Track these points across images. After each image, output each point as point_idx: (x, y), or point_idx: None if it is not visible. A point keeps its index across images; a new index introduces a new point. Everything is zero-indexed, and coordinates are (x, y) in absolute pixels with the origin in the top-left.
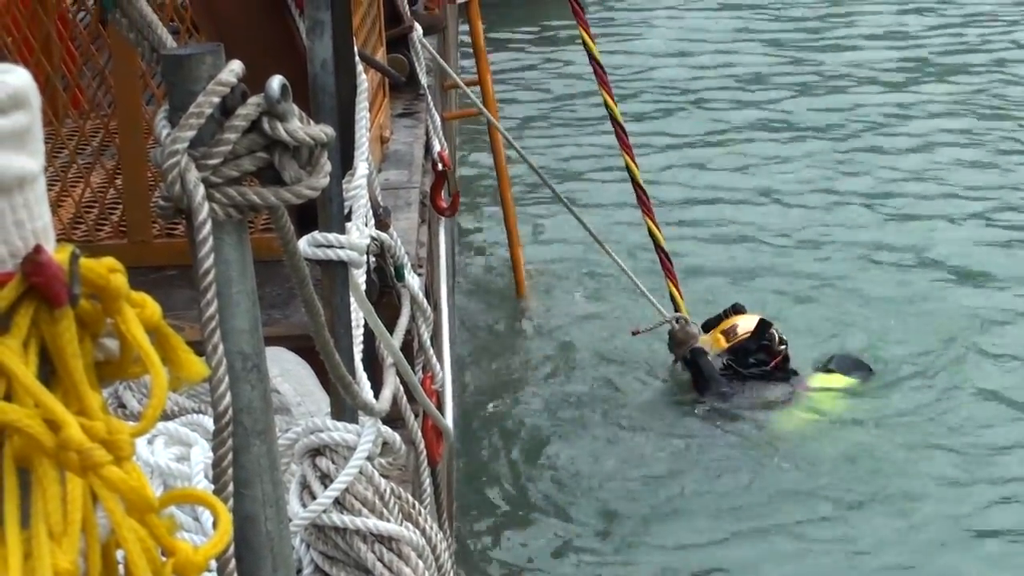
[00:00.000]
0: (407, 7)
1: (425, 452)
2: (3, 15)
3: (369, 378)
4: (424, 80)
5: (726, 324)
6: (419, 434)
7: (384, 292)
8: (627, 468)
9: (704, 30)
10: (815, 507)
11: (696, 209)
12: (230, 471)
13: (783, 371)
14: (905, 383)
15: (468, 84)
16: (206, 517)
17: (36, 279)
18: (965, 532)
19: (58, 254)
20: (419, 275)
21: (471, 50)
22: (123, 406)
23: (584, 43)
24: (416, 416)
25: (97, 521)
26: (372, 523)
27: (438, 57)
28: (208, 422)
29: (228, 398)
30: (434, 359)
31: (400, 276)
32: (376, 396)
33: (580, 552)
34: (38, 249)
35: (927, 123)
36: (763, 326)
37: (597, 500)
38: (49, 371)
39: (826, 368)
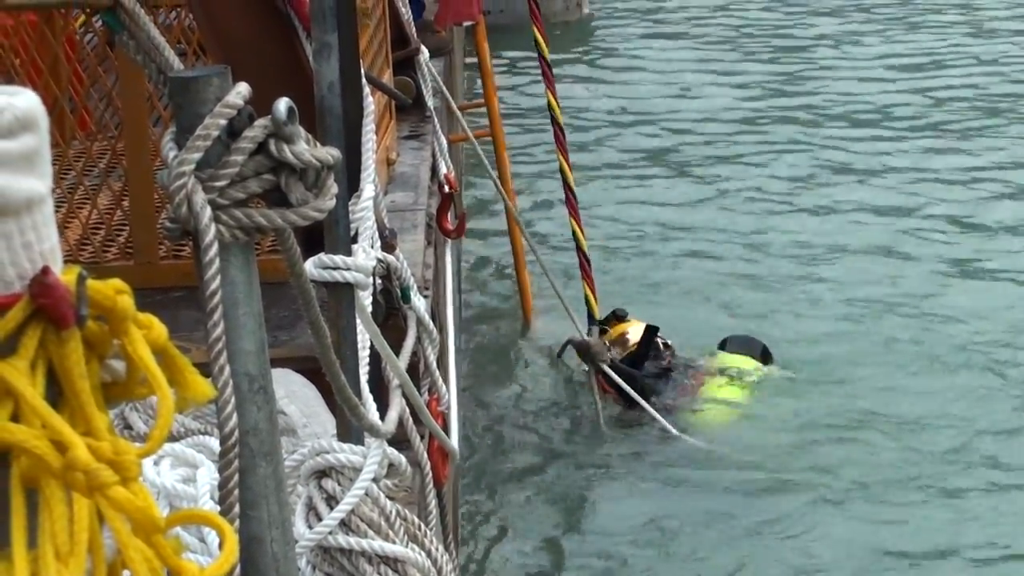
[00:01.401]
0: (414, 29)
1: (431, 474)
2: (11, 37)
3: (375, 400)
4: (430, 102)
5: (615, 334)
6: (425, 456)
7: (390, 314)
8: (628, 492)
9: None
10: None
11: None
12: (236, 492)
13: (677, 369)
14: (805, 365)
15: (475, 106)
16: (212, 538)
17: (43, 300)
18: (870, 502)
19: (65, 276)
20: (425, 297)
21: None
22: (129, 427)
23: (548, 104)
24: (422, 438)
25: (103, 541)
26: (378, 545)
27: (440, 83)
28: (214, 443)
29: (234, 419)
30: (440, 381)
31: (406, 298)
32: (382, 418)
33: (583, 571)
34: (46, 271)
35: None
36: (650, 333)
37: (602, 521)
38: (56, 392)
39: (721, 349)
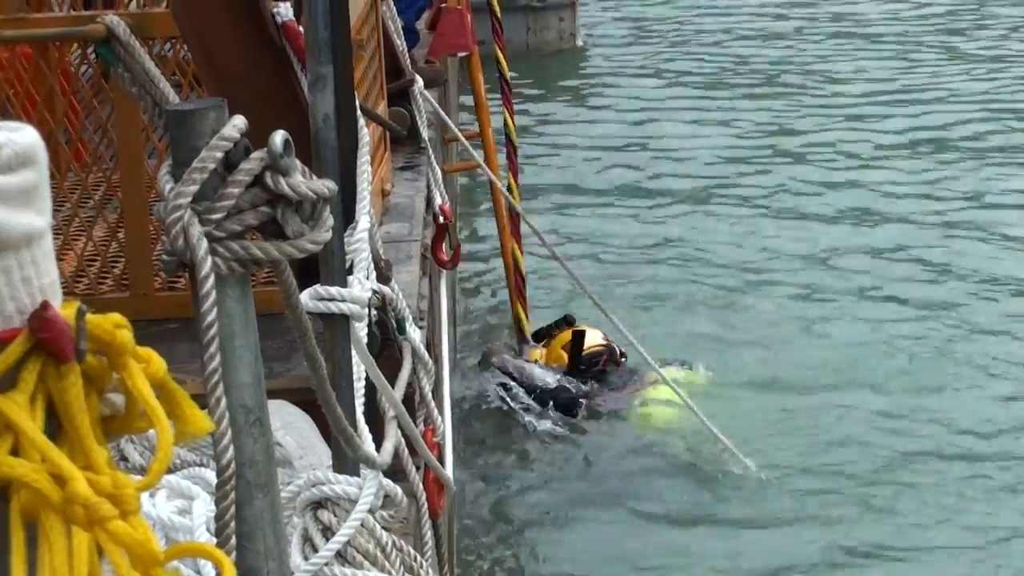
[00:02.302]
0: (408, 61)
1: (427, 504)
2: (6, 69)
3: (371, 431)
4: (425, 133)
5: (562, 340)
6: (420, 487)
7: (385, 345)
8: (628, 521)
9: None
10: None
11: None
12: (232, 524)
13: (621, 373)
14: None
15: (468, 137)
16: (208, 570)
17: (43, 335)
18: (811, 495)
19: (65, 310)
20: (420, 328)
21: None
22: (125, 459)
23: (504, 122)
24: (417, 468)
25: (103, 575)
26: None
27: (439, 110)
28: (210, 475)
29: (231, 451)
30: (435, 412)
31: (401, 329)
32: (378, 449)
33: None
34: (45, 305)
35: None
36: (577, 339)
37: (598, 549)
38: (56, 426)
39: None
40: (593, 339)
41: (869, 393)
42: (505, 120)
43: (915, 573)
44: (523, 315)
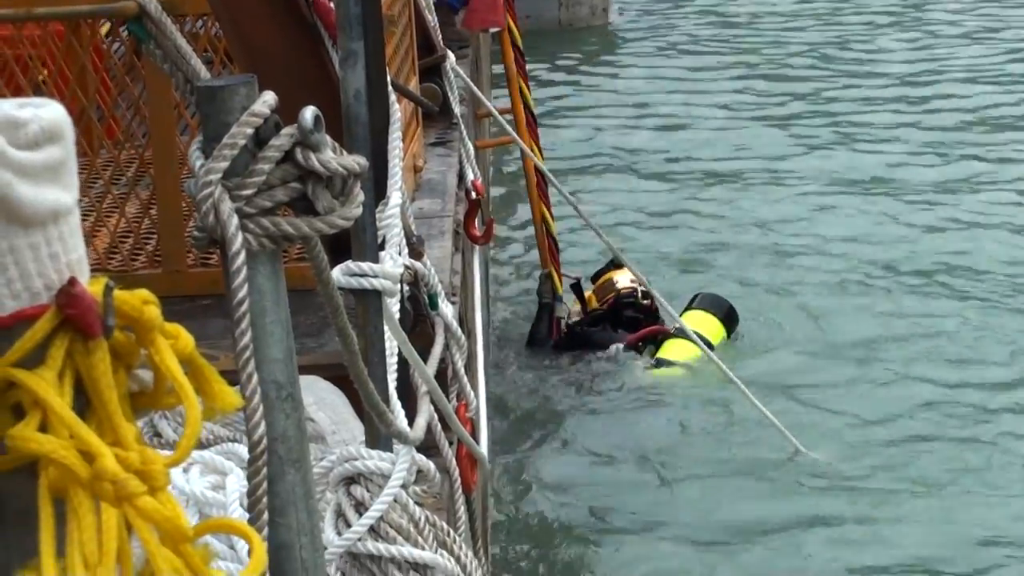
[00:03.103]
0: (440, 36)
1: (460, 480)
2: (39, 47)
3: (403, 406)
4: (457, 109)
5: (603, 280)
6: (453, 462)
7: (418, 321)
8: (662, 495)
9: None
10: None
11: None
12: (265, 500)
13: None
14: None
15: (501, 112)
16: (241, 545)
17: (71, 311)
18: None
19: (92, 286)
20: (453, 303)
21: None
22: (159, 435)
23: (520, 90)
24: (450, 444)
25: (132, 551)
26: (407, 551)
27: (472, 85)
28: (243, 450)
29: (262, 427)
30: (468, 387)
31: (434, 304)
32: (410, 424)
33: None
34: (72, 281)
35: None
36: (576, 288)
37: (634, 525)
38: (84, 402)
39: (691, 307)
40: (622, 281)
41: (914, 369)
42: (520, 88)
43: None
44: (556, 276)
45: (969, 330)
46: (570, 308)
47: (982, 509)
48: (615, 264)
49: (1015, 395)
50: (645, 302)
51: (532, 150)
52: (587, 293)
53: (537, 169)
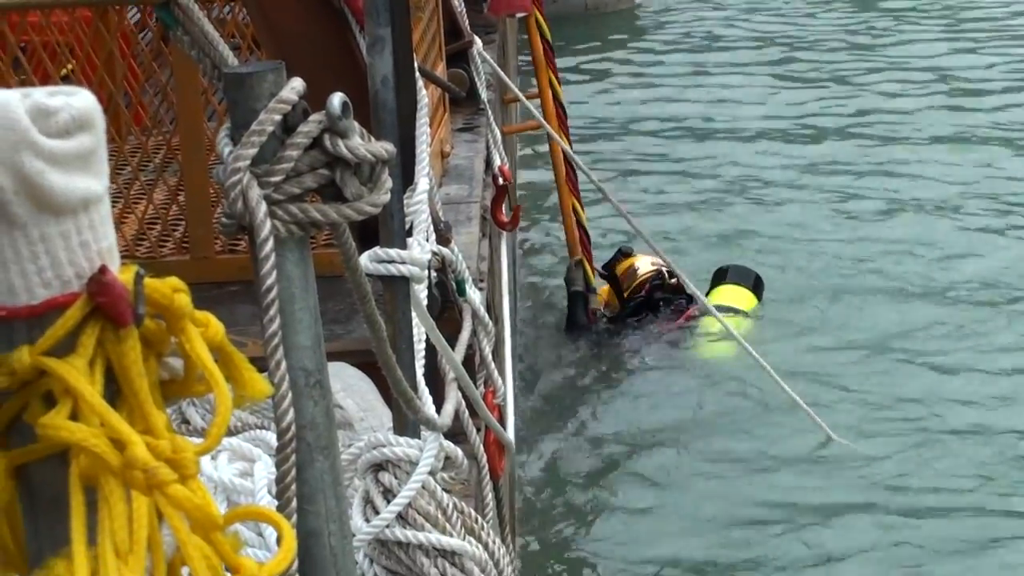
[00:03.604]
0: (466, 21)
1: (487, 467)
2: (67, 33)
3: (431, 393)
4: (484, 95)
5: (623, 268)
6: (481, 449)
7: (446, 307)
8: (691, 482)
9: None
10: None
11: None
12: (293, 487)
13: (675, 299)
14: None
15: (529, 98)
16: (269, 532)
17: (101, 299)
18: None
19: (123, 274)
20: (481, 290)
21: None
22: (187, 422)
23: (550, 81)
24: (478, 430)
25: (163, 539)
26: (435, 538)
27: (499, 71)
28: (271, 437)
29: (291, 414)
30: (496, 373)
31: (462, 291)
32: (438, 411)
33: (644, 565)
34: (103, 269)
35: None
36: (612, 279)
37: (662, 512)
38: (114, 390)
39: (722, 281)
40: (643, 267)
41: (952, 360)
42: (550, 80)
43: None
44: (589, 267)
45: (1014, 324)
46: (599, 299)
47: (1019, 502)
48: (623, 253)
49: None
50: (672, 281)
51: (560, 137)
52: (606, 287)
53: (565, 156)
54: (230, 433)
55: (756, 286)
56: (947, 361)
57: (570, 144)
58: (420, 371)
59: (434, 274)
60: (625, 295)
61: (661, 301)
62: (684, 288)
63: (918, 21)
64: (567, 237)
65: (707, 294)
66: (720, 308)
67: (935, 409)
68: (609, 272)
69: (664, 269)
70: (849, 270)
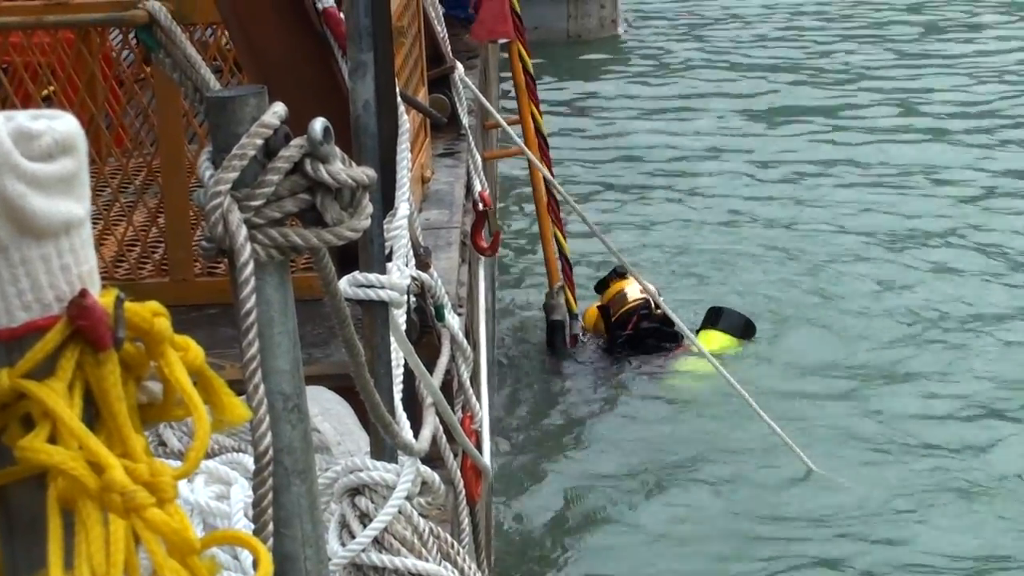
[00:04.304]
0: (448, 47)
1: (464, 491)
2: (48, 54)
3: (409, 418)
4: (465, 120)
5: (613, 291)
6: (458, 474)
7: (424, 332)
8: (668, 511)
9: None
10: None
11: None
12: (270, 511)
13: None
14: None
15: (510, 124)
16: (246, 556)
17: (81, 323)
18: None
19: (103, 298)
20: (459, 315)
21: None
22: (164, 444)
23: (533, 116)
24: (455, 456)
25: (139, 562)
26: (411, 563)
27: (480, 96)
28: (248, 461)
29: (269, 438)
30: (473, 399)
31: (440, 316)
32: (416, 436)
33: None
34: (84, 293)
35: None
36: (604, 313)
37: (639, 541)
38: (93, 414)
39: (714, 326)
40: (633, 293)
41: (932, 389)
42: (532, 113)
43: None
44: (571, 295)
45: (990, 352)
46: (582, 324)
47: (996, 532)
48: (619, 273)
49: None
50: (658, 311)
51: (541, 164)
52: (595, 305)
53: (546, 182)
54: (207, 456)
55: (745, 333)
56: (927, 392)
57: (551, 171)
58: (398, 396)
59: (413, 299)
60: (613, 319)
61: (648, 337)
62: (662, 330)
63: (902, 50)
64: (546, 264)
65: (697, 331)
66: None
67: (914, 440)
68: (600, 292)
69: (650, 299)
70: (831, 303)
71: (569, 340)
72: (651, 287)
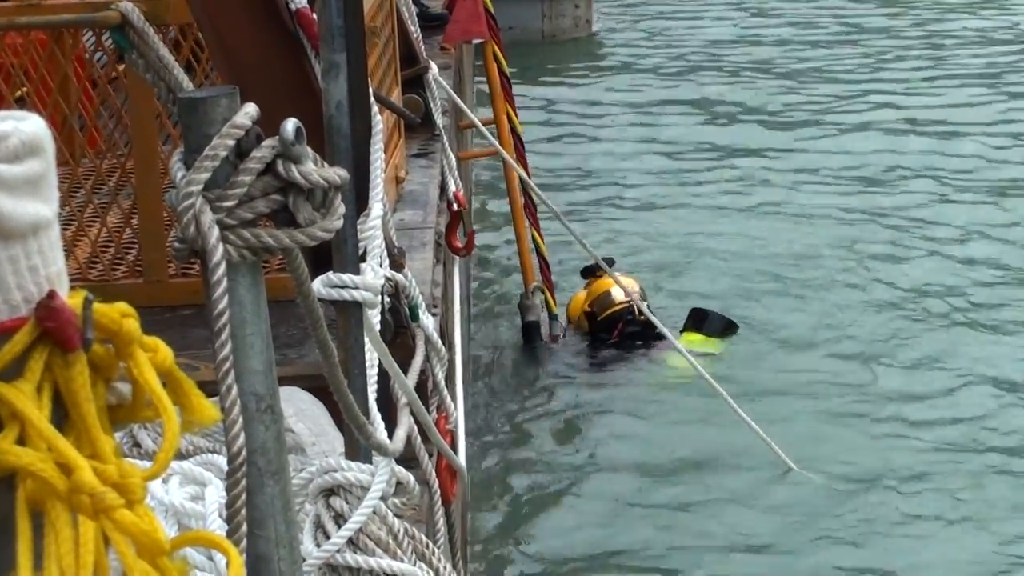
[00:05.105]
0: (423, 47)
1: (439, 492)
2: (21, 56)
3: (383, 418)
4: (439, 120)
5: (599, 289)
6: (433, 474)
7: (398, 332)
8: (646, 511)
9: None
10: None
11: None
12: (244, 511)
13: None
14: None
15: (484, 124)
16: (220, 556)
17: (49, 324)
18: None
19: (71, 299)
20: (434, 315)
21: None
22: (138, 445)
23: (509, 118)
24: (430, 456)
25: (109, 564)
26: (386, 563)
27: (455, 96)
28: (222, 461)
29: (242, 439)
30: (448, 399)
31: (415, 316)
32: (390, 436)
33: None
34: (52, 294)
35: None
36: (591, 318)
37: (615, 540)
38: (62, 415)
39: (699, 329)
40: (618, 295)
41: (913, 390)
42: (508, 115)
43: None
44: (550, 296)
45: (972, 352)
46: (567, 315)
47: (976, 533)
48: (607, 262)
49: (1014, 418)
50: (642, 317)
51: (516, 164)
52: (580, 292)
53: (522, 182)
54: (181, 457)
55: (727, 334)
56: (908, 393)
57: (528, 172)
58: (372, 396)
59: (387, 299)
60: (599, 319)
61: (633, 339)
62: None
63: (875, 51)
64: (522, 265)
65: (680, 332)
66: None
67: (895, 438)
68: (586, 277)
69: (634, 305)
70: (811, 302)
71: (549, 338)
72: (634, 286)
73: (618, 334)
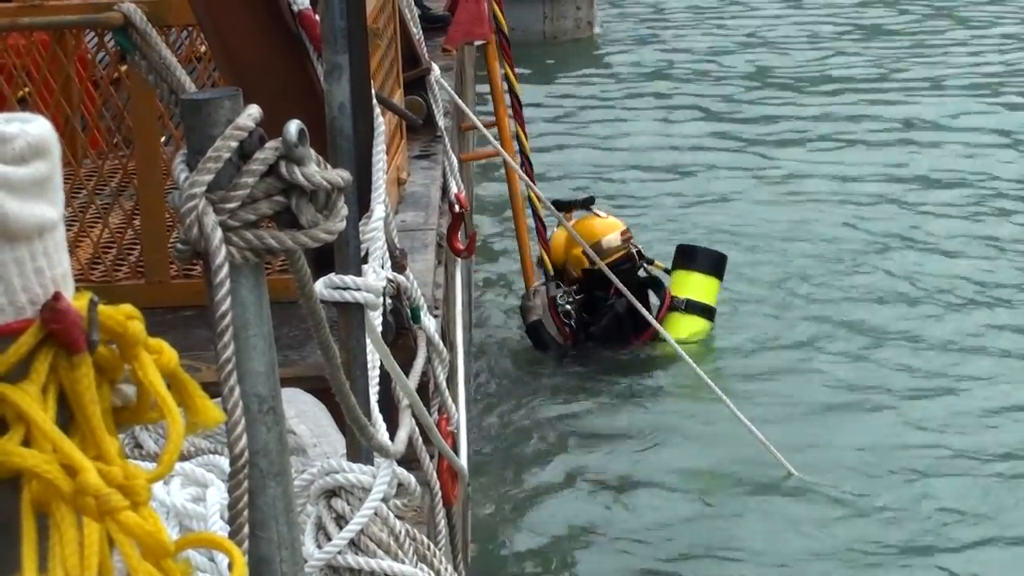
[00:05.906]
0: (424, 49)
1: (440, 493)
2: (23, 56)
3: (385, 420)
4: (441, 122)
5: (589, 229)
6: (434, 476)
7: (400, 334)
8: (646, 513)
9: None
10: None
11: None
12: (246, 513)
13: (647, 284)
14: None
15: (486, 126)
16: (222, 558)
17: (55, 326)
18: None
19: (77, 301)
20: (435, 317)
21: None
22: (140, 446)
23: (519, 138)
24: (432, 457)
25: (113, 565)
26: (387, 564)
27: (456, 98)
28: (224, 463)
29: (244, 440)
30: (450, 401)
31: (416, 318)
32: (392, 438)
33: None
34: (57, 296)
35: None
36: (590, 284)
37: (615, 542)
38: (67, 416)
39: (689, 267)
40: (609, 243)
41: (913, 392)
42: (517, 134)
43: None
44: (547, 260)
45: (976, 358)
46: (566, 289)
47: (981, 536)
48: (586, 205)
49: (1019, 424)
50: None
51: (519, 133)
52: (562, 236)
53: (524, 153)
54: (183, 458)
55: (717, 267)
56: (906, 397)
57: (533, 180)
58: (374, 398)
59: (389, 301)
60: (588, 268)
61: (641, 291)
62: (651, 279)
63: (871, 50)
64: (523, 266)
65: (670, 271)
66: (681, 341)
67: (894, 444)
68: (564, 211)
69: (633, 249)
70: (810, 297)
71: (562, 333)
72: (619, 227)
73: (615, 292)
